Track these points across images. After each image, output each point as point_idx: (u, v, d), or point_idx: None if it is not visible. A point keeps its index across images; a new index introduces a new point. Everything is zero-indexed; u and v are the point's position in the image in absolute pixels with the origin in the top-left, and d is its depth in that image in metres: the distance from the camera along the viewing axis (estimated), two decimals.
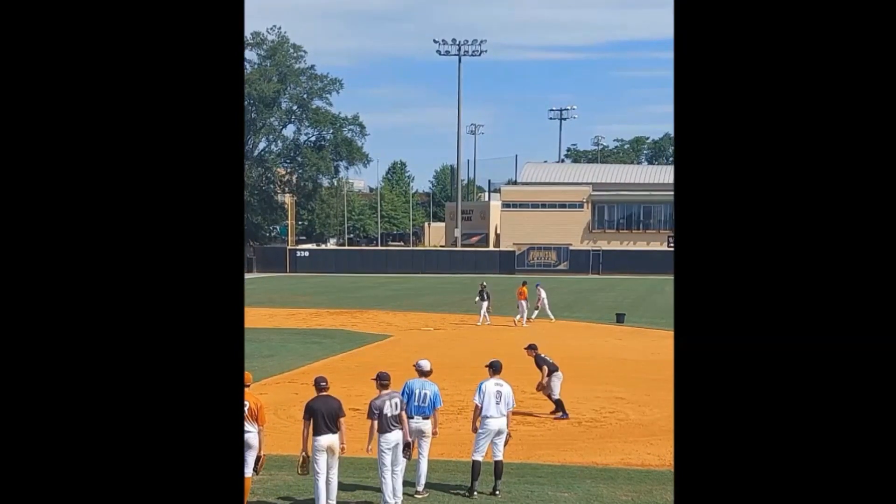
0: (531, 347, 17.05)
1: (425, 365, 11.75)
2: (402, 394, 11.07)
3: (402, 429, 10.79)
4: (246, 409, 10.57)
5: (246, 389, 10.76)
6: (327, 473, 10.43)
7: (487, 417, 11.36)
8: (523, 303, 32.49)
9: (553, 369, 16.49)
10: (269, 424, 11.95)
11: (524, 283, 33.78)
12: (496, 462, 11.42)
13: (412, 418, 11.01)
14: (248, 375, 11.08)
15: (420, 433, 11.15)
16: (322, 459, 10.35)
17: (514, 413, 12.13)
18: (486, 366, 12.01)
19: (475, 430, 11.50)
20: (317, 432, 10.34)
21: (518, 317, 32.54)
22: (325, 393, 10.63)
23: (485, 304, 32.40)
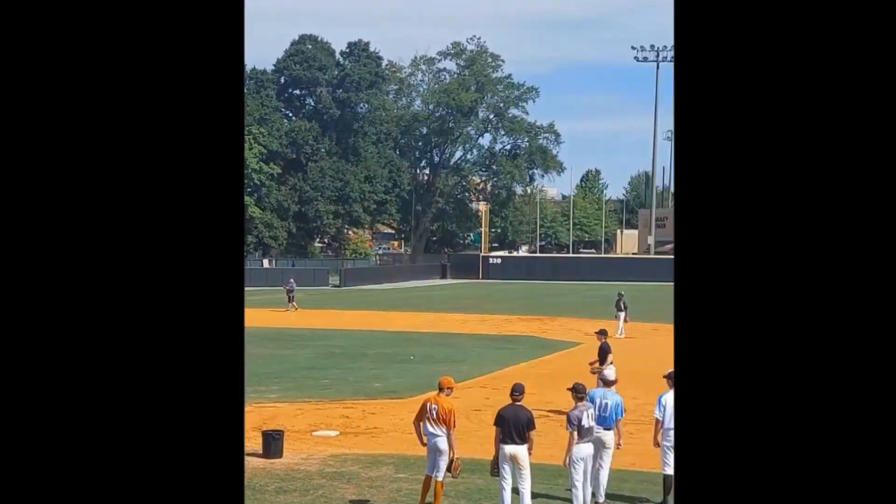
0: (601, 333, 17.74)
1: (610, 374, 11.64)
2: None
3: (592, 440, 10.70)
4: (435, 412, 10.75)
5: (442, 394, 10.93)
6: (518, 486, 10.36)
7: (670, 430, 11.11)
8: None
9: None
10: (461, 428, 12.18)
11: None
12: (665, 476, 11.15)
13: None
14: (449, 380, 11.27)
15: (601, 443, 11.02)
16: (507, 468, 10.30)
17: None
18: (665, 376, 11.75)
19: (657, 444, 11.27)
20: (503, 441, 10.30)
21: None
22: (518, 403, 10.53)
23: (622, 314, 31.26)
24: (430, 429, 10.72)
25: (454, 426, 10.80)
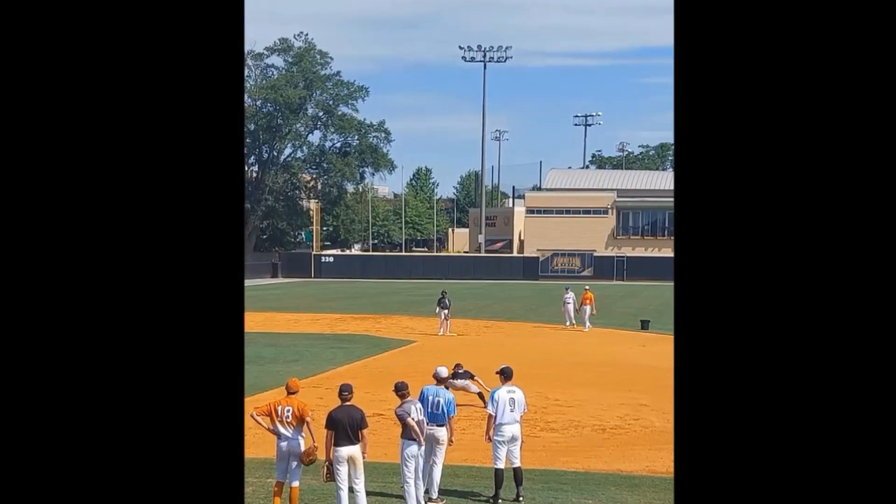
0: (457, 366, 17.53)
1: (442, 372, 11.74)
2: (418, 400, 11.10)
3: (425, 437, 10.79)
4: (290, 414, 10.54)
5: (292, 396, 10.73)
6: (353, 486, 10.33)
7: (503, 425, 11.35)
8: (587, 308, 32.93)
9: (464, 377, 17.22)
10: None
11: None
12: (515, 469, 11.41)
13: (427, 425, 11.01)
14: (295, 382, 11.08)
15: (434, 440, 11.13)
16: (343, 470, 10.24)
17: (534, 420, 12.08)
18: (497, 372, 12.00)
19: (489, 439, 11.49)
20: (337, 443, 10.23)
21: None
22: (348, 403, 10.51)
23: (445, 312, 31.65)
24: (284, 431, 10.53)
25: (312, 419, 10.75)
